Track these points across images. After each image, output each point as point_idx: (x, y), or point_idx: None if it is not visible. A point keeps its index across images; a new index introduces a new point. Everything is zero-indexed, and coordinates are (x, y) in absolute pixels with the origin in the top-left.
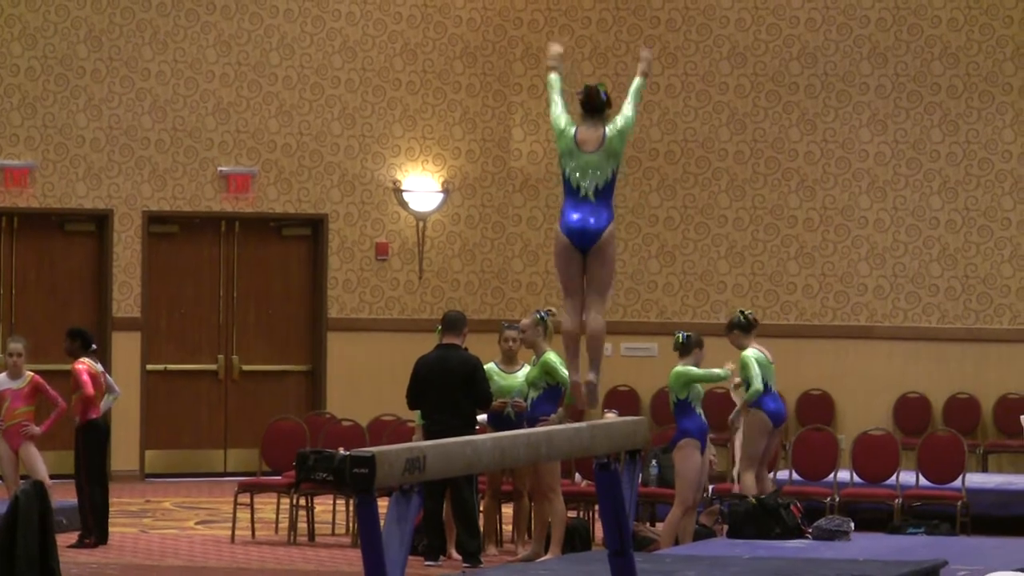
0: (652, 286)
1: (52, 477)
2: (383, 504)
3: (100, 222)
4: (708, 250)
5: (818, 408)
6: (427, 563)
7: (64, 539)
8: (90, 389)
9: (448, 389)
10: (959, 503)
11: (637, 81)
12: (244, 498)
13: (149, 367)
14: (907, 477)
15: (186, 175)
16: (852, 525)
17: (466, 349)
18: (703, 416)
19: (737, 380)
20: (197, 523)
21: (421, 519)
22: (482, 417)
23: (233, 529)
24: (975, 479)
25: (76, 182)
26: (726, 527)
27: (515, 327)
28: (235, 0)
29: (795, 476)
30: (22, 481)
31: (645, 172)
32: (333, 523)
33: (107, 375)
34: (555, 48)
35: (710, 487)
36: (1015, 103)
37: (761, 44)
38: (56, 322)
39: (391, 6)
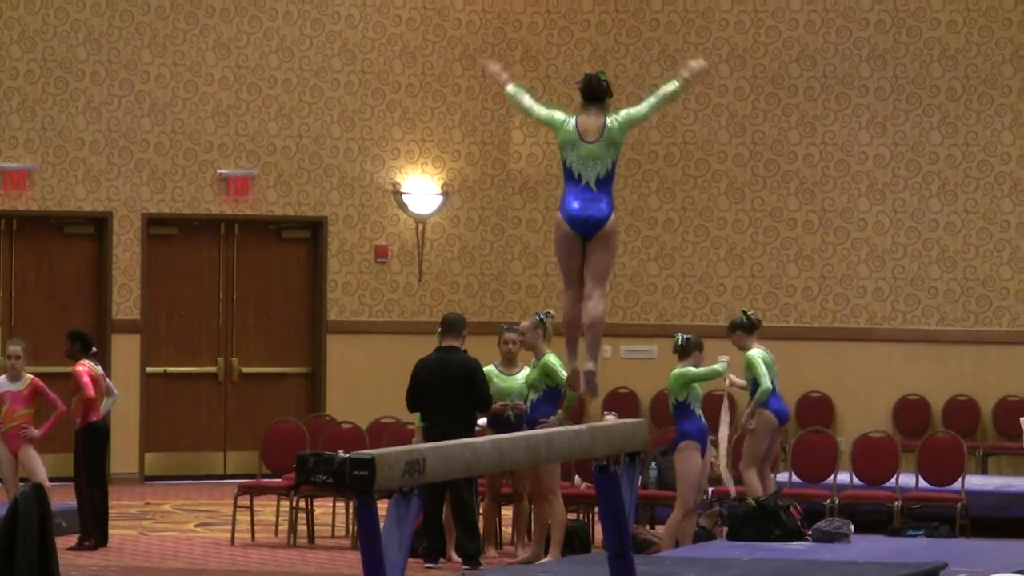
0: (651, 288)
1: (52, 480)
2: (383, 506)
3: (99, 224)
4: (707, 252)
5: (818, 410)
6: (427, 565)
7: (64, 542)
8: (91, 391)
9: (448, 391)
10: (959, 505)
11: (672, 85)
12: (244, 500)
13: (149, 369)
14: (907, 479)
15: (185, 177)
16: (852, 527)
17: (466, 351)
18: (703, 418)
19: (737, 381)
20: (197, 525)
21: (421, 522)
22: (482, 420)
23: (233, 531)
24: (975, 481)
25: (75, 185)
26: (726, 529)
27: (515, 329)
28: (234, 3)
29: (795, 478)
30: (22, 484)
31: (644, 175)
32: (333, 525)
33: (107, 378)
34: (491, 68)
35: (710, 489)
36: (1014, 105)
37: (760, 46)
38: (55, 325)
39: (390, 9)
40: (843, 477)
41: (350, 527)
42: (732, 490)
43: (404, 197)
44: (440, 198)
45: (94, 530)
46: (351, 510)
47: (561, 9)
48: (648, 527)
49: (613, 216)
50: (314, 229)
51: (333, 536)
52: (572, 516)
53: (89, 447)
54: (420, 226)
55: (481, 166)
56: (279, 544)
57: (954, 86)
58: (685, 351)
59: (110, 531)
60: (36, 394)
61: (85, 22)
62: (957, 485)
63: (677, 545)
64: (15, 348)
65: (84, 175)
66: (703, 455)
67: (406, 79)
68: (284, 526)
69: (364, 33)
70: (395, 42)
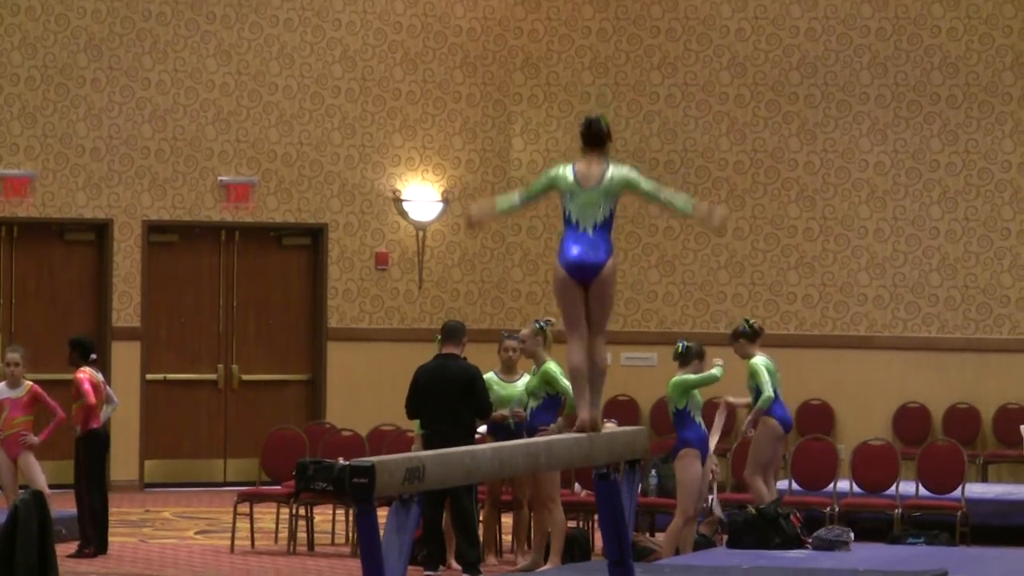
0: (652, 296)
1: (51, 487)
2: (383, 514)
3: (100, 231)
4: (708, 260)
5: (818, 418)
6: (427, 573)
7: (64, 549)
8: (92, 398)
9: (448, 398)
10: (959, 513)
11: (686, 205)
12: (244, 508)
13: (149, 376)
14: (907, 487)
15: (186, 184)
16: (852, 535)
17: (465, 359)
18: (703, 426)
19: (736, 401)
20: (196, 533)
21: (421, 529)
22: (482, 427)
23: (232, 539)
24: (975, 489)
25: (76, 191)
26: (726, 537)
27: (515, 337)
28: (235, 10)
29: (795, 486)
30: (21, 491)
31: None
32: (333, 533)
33: (107, 385)
34: (473, 213)
35: (709, 497)
36: (1014, 113)
37: (761, 54)
38: (56, 331)
39: (391, 16)
40: (843, 485)
41: (350, 534)
42: (724, 517)
43: (404, 204)
44: (440, 205)
45: (94, 537)
46: (351, 517)
47: (562, 16)
48: (648, 535)
49: (611, 261)
50: (314, 236)
51: (333, 544)
52: (572, 523)
53: (89, 454)
54: (420, 233)
55: (481, 173)
56: (279, 551)
57: (955, 93)
58: (685, 359)
59: (110, 538)
60: (35, 401)
61: (86, 28)
62: (957, 493)
63: (677, 553)
64: (14, 355)
65: (85, 182)
66: (703, 463)
67: (407, 86)
68: (284, 533)
69: (365, 40)
70: (396, 49)
